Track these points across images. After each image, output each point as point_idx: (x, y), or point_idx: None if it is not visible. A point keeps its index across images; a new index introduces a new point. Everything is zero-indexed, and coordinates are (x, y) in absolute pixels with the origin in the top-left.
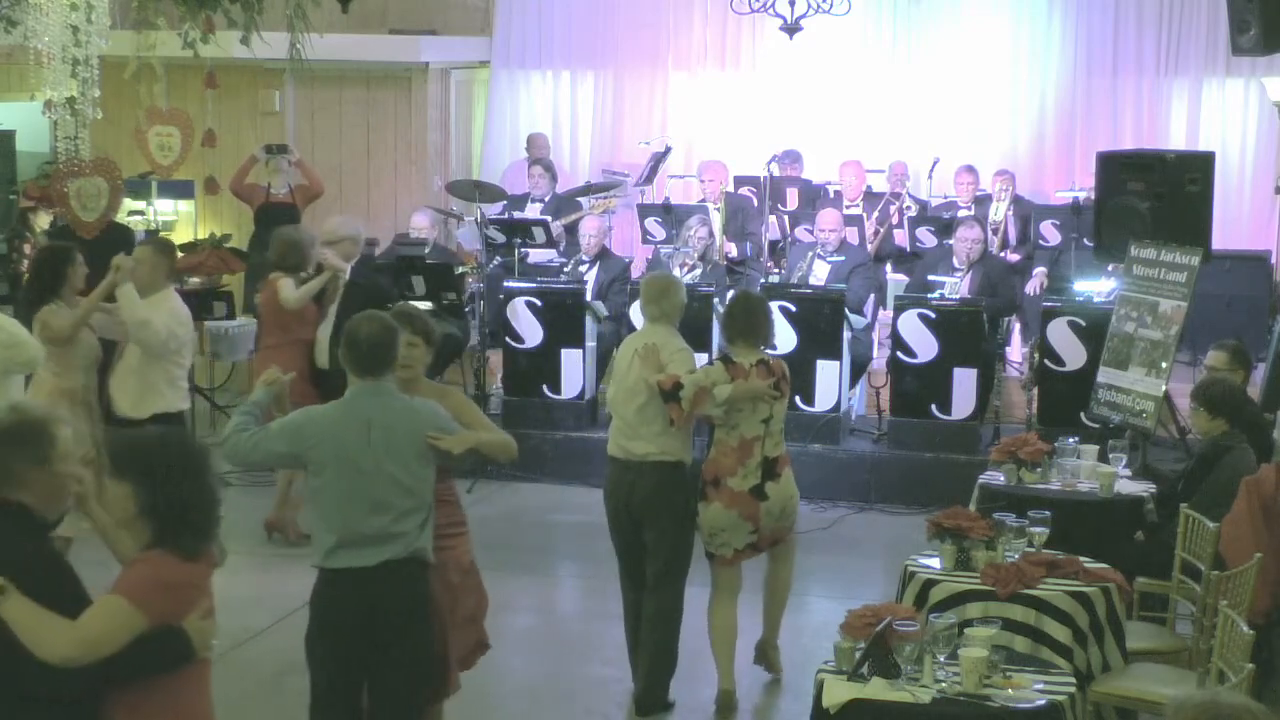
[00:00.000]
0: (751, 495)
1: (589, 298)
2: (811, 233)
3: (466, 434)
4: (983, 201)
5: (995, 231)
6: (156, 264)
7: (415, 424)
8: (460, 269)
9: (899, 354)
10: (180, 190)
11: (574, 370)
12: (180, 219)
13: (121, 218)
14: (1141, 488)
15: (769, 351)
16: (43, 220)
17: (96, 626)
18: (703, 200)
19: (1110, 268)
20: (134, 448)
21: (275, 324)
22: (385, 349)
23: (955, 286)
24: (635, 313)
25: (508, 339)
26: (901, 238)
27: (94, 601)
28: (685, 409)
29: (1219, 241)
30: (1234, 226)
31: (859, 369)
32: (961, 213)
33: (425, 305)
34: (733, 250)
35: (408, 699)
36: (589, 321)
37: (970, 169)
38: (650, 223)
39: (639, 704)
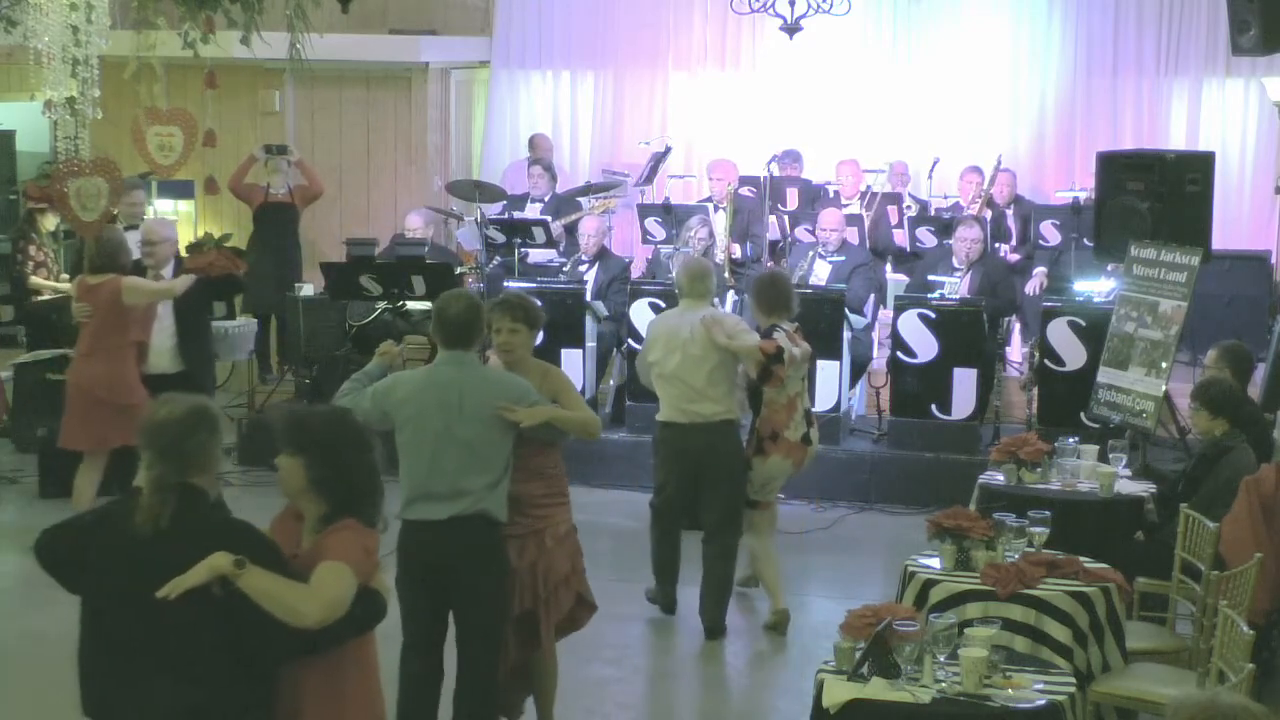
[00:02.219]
0: (801, 443)
1: (589, 298)
2: (812, 232)
3: (541, 409)
4: (990, 204)
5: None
6: None
7: (489, 394)
8: (460, 269)
9: (899, 354)
10: (180, 190)
11: (574, 370)
12: (180, 219)
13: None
14: (1141, 488)
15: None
16: (49, 221)
17: (336, 590)
18: (708, 199)
19: (1110, 268)
20: (305, 424)
21: (117, 325)
22: (469, 325)
23: (955, 286)
24: (635, 312)
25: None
26: (901, 238)
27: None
28: (784, 372)
29: (1219, 241)
30: (1234, 226)
31: (859, 369)
32: (966, 213)
33: (425, 305)
34: (736, 251)
35: (484, 640)
36: (589, 321)
37: (975, 169)
38: (650, 223)
39: (710, 630)
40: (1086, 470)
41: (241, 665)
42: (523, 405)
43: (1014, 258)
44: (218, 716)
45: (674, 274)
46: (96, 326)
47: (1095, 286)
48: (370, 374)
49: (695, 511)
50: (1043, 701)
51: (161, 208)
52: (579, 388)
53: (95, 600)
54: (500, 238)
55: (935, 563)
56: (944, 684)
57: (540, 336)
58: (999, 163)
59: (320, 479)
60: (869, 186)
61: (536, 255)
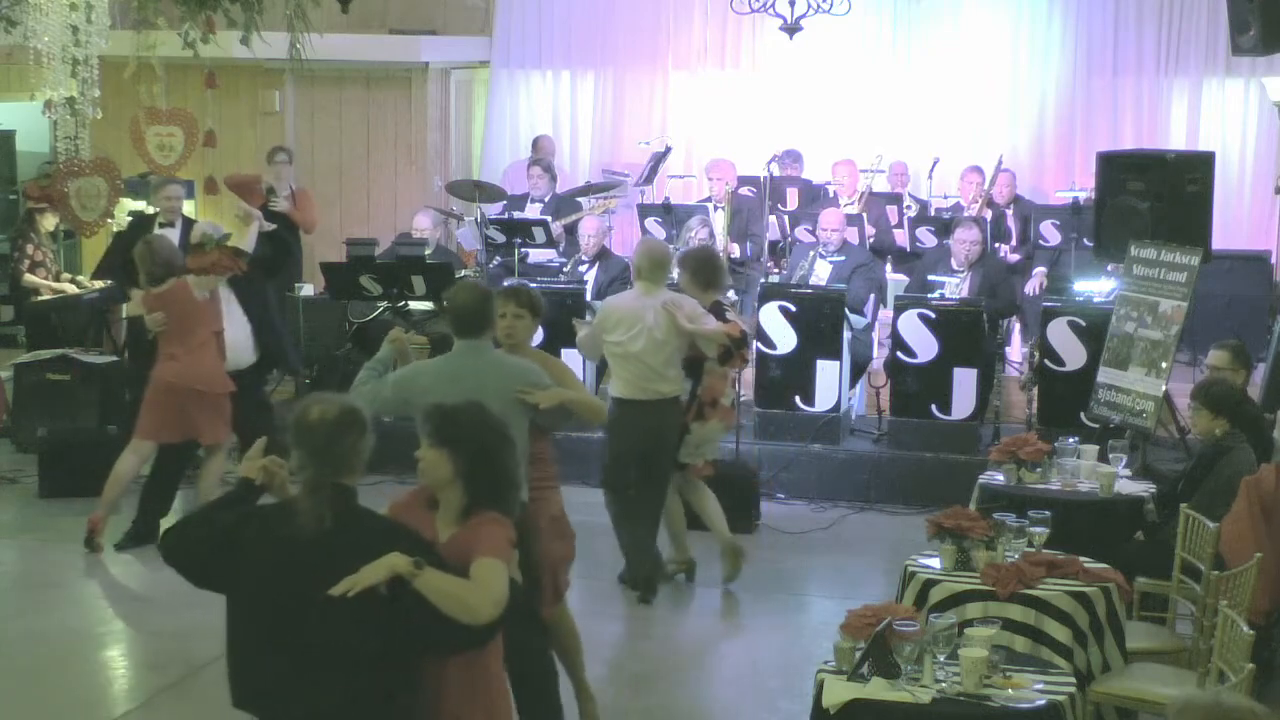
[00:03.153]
0: (730, 408)
1: (589, 298)
2: (812, 232)
3: (556, 391)
4: (993, 204)
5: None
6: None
7: (507, 379)
8: (461, 269)
9: (899, 354)
10: None
11: (574, 370)
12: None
13: (121, 218)
14: (1141, 488)
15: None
16: (48, 221)
17: (501, 586)
18: (708, 199)
19: (1110, 268)
20: (457, 420)
21: (197, 321)
22: (479, 314)
23: (955, 287)
24: None
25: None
26: (901, 238)
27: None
28: (748, 354)
29: (1219, 241)
30: (1234, 226)
31: (859, 369)
32: (967, 213)
33: (425, 305)
34: (735, 251)
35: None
36: (587, 322)
37: (976, 169)
38: (650, 223)
39: (645, 590)
40: (1086, 470)
41: (395, 656)
42: (538, 389)
43: (1014, 258)
44: (374, 706)
45: (633, 256)
46: (176, 329)
47: (1095, 286)
48: (383, 361)
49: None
50: (1043, 701)
51: None
52: None
53: (253, 596)
54: (500, 238)
55: (935, 563)
56: (944, 684)
57: (541, 336)
58: (1000, 163)
59: (468, 472)
60: (869, 186)
61: (536, 255)
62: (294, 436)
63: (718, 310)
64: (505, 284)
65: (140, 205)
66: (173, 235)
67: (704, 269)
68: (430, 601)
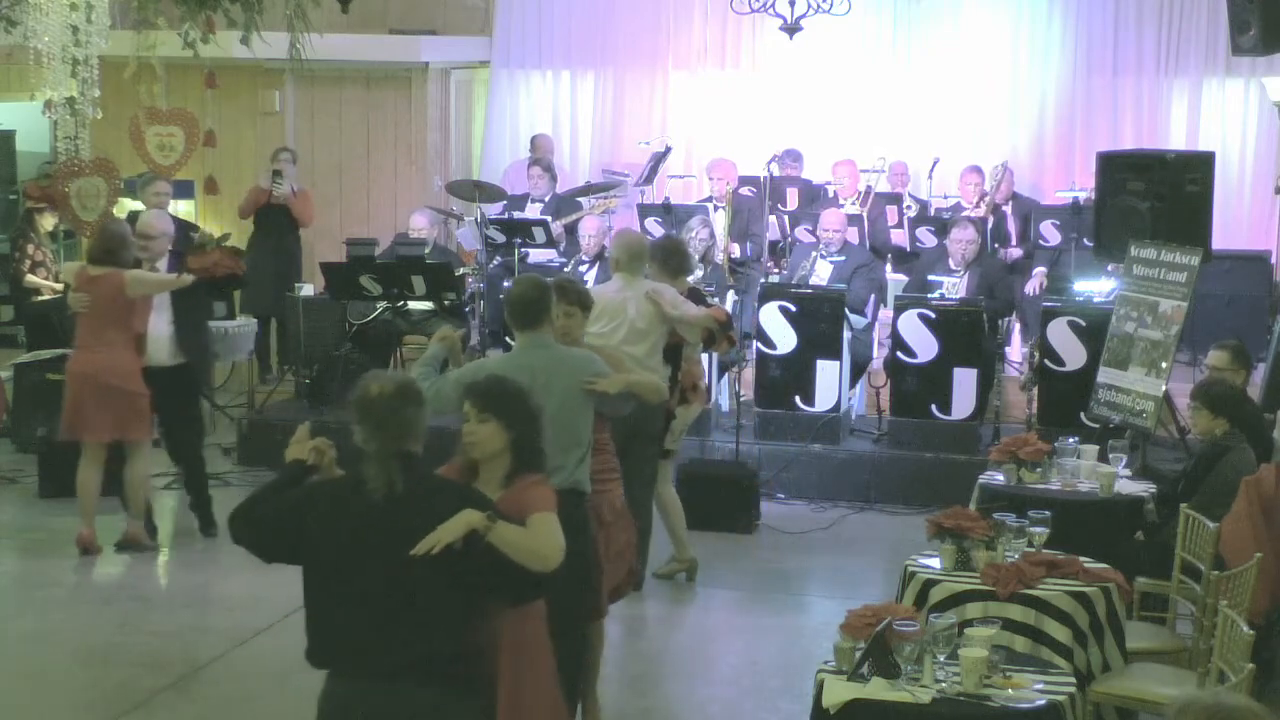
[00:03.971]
0: (706, 390)
1: None
2: (812, 232)
3: (619, 377)
4: (994, 208)
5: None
6: None
7: (573, 371)
8: (460, 269)
9: (899, 354)
10: (180, 190)
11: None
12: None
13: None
14: (1141, 488)
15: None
16: (48, 221)
17: (559, 536)
18: (708, 199)
19: (1110, 268)
20: (505, 393)
21: (120, 318)
22: (535, 305)
23: (955, 286)
24: None
25: (508, 339)
26: (901, 237)
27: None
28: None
29: (1219, 241)
30: (1234, 226)
31: (859, 369)
32: (966, 213)
33: (425, 305)
34: (735, 251)
35: (566, 610)
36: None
37: (976, 169)
38: (650, 223)
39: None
40: (1086, 470)
41: (467, 611)
42: (601, 378)
43: (1016, 253)
44: (450, 661)
45: (610, 249)
46: (97, 319)
47: (1095, 286)
48: (435, 358)
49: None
50: (1043, 701)
51: None
52: None
53: (332, 562)
54: (500, 238)
55: (935, 563)
56: (944, 684)
57: None
58: (1004, 170)
59: (516, 440)
60: (868, 186)
61: (537, 255)
62: (358, 412)
63: (696, 296)
64: (555, 279)
65: (140, 205)
66: None
67: (672, 257)
68: (500, 554)
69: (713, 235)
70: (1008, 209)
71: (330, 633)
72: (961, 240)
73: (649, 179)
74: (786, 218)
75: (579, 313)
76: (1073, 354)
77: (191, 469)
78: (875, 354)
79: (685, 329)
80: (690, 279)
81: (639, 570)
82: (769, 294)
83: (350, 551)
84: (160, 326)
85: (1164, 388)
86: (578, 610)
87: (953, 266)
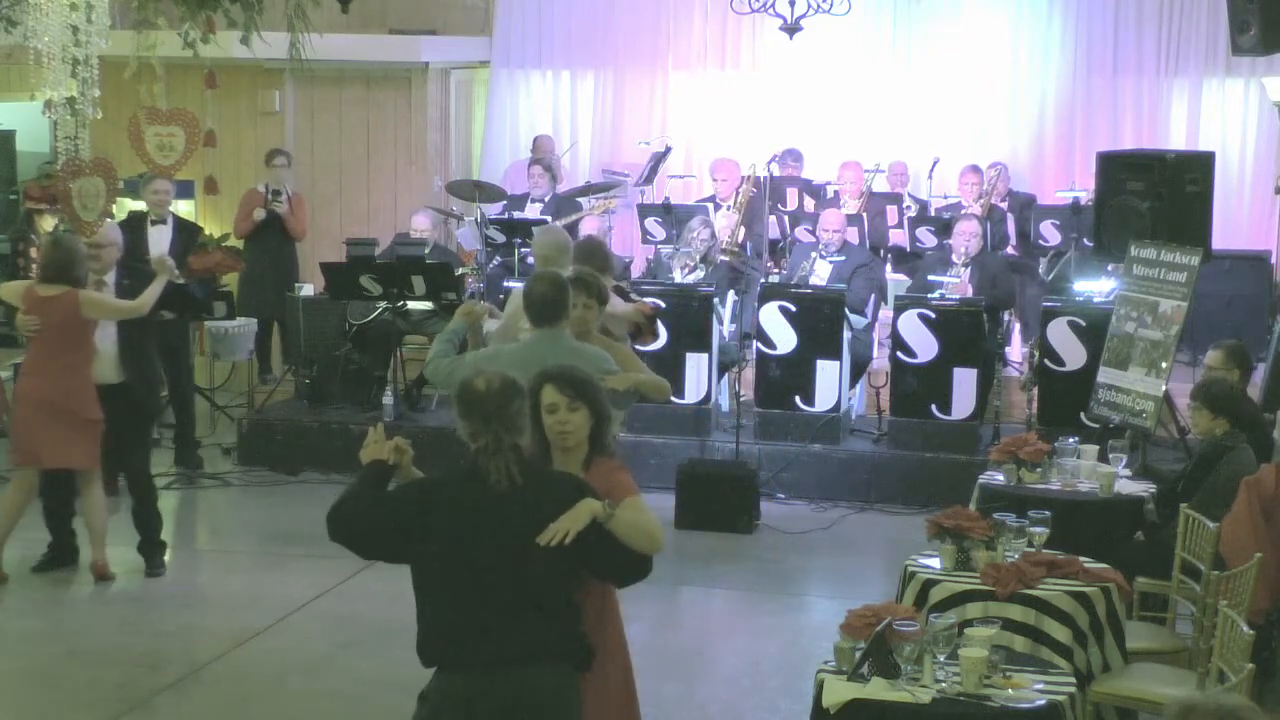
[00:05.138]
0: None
1: None
2: (812, 232)
3: (627, 375)
4: (993, 210)
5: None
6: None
7: (583, 365)
8: (460, 269)
9: (899, 354)
10: (180, 190)
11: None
12: None
13: (121, 218)
14: (1141, 488)
15: None
16: (48, 222)
17: (656, 519)
18: (710, 198)
19: (1110, 268)
20: (590, 381)
21: (75, 339)
22: (554, 303)
23: (956, 286)
24: None
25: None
26: (901, 237)
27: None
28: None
29: (1219, 241)
30: (1234, 226)
31: (859, 369)
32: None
33: (425, 305)
34: (742, 234)
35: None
36: None
37: (975, 169)
38: (650, 223)
39: None
40: (1086, 470)
41: (574, 595)
42: (610, 375)
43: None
44: (568, 642)
45: (535, 247)
46: (50, 342)
47: (1095, 286)
48: (457, 333)
49: None
50: (1043, 701)
51: None
52: None
53: (449, 555)
54: (500, 237)
55: (935, 563)
56: (944, 684)
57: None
58: (998, 170)
59: (596, 425)
60: (869, 185)
61: None
62: (464, 407)
63: (621, 293)
64: (574, 272)
65: (140, 205)
66: (163, 232)
67: (596, 255)
68: (614, 538)
69: (713, 235)
70: (1004, 205)
71: (451, 626)
72: (965, 233)
73: (649, 179)
74: (786, 218)
75: (596, 305)
76: (1073, 354)
77: (141, 498)
78: (875, 354)
79: (614, 322)
80: (691, 279)
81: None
82: (769, 294)
83: (476, 544)
84: (105, 343)
85: (1164, 388)
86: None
87: (955, 261)
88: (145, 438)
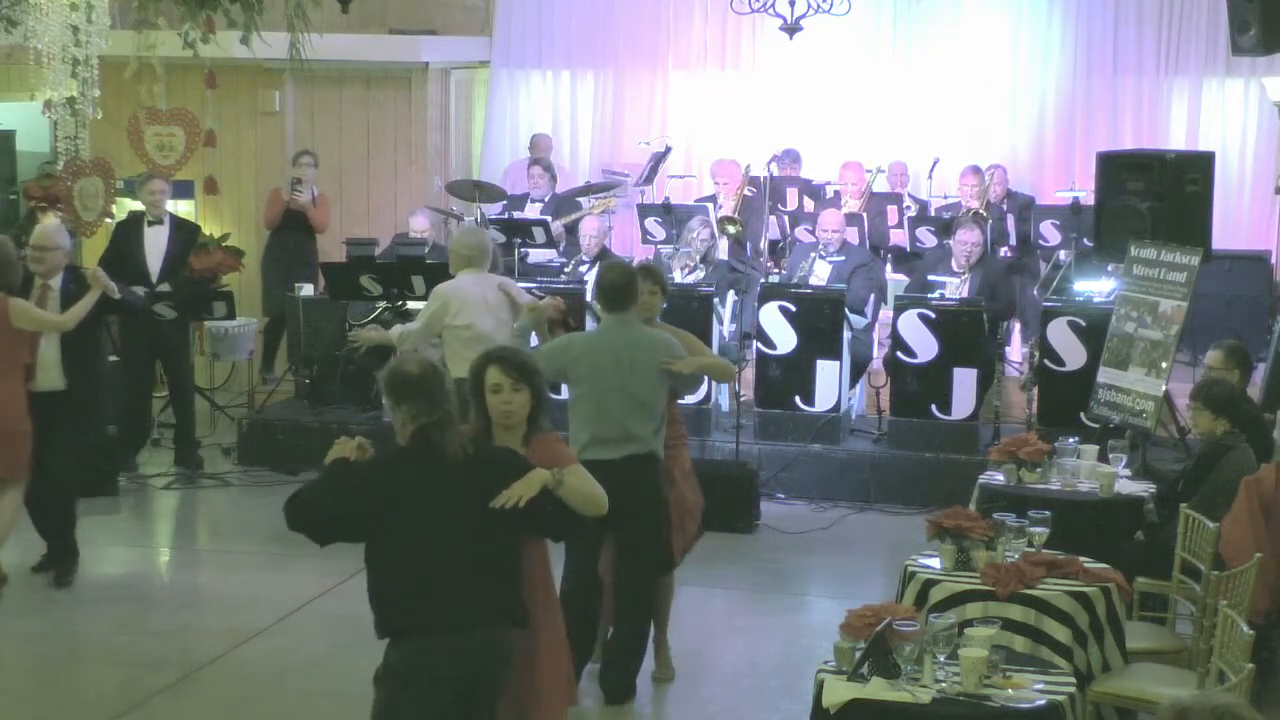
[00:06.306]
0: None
1: (589, 298)
2: (812, 232)
3: (694, 359)
4: (990, 206)
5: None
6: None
7: (652, 351)
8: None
9: (899, 354)
10: (180, 190)
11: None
12: None
13: (121, 218)
14: (1141, 488)
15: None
16: (48, 222)
17: (598, 484)
18: (711, 198)
19: (1110, 268)
20: (531, 363)
21: (4, 348)
22: (624, 290)
23: (956, 288)
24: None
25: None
26: (901, 238)
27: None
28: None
29: (1219, 241)
30: (1234, 226)
31: (859, 369)
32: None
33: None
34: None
35: (646, 561)
36: (589, 321)
37: (975, 170)
38: (650, 223)
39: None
40: (1086, 470)
41: (521, 557)
42: (677, 359)
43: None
44: (515, 605)
45: (455, 245)
46: None
47: (1095, 286)
48: (524, 329)
49: None
50: (1043, 701)
51: None
52: None
53: (410, 526)
54: (500, 237)
55: (935, 563)
56: (944, 684)
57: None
58: (994, 171)
59: (535, 403)
60: (869, 185)
61: (537, 255)
62: (403, 391)
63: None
64: (639, 262)
65: (140, 205)
66: (160, 232)
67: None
68: (562, 503)
69: (713, 235)
70: (1004, 205)
71: (415, 593)
72: (967, 242)
73: (649, 179)
74: (786, 218)
75: (660, 293)
76: (1073, 354)
77: (53, 502)
78: (875, 354)
79: (534, 317)
80: (691, 279)
81: (701, 528)
82: (769, 294)
83: (438, 513)
84: (49, 350)
85: (1164, 388)
86: (654, 562)
87: (956, 268)
88: (72, 442)
